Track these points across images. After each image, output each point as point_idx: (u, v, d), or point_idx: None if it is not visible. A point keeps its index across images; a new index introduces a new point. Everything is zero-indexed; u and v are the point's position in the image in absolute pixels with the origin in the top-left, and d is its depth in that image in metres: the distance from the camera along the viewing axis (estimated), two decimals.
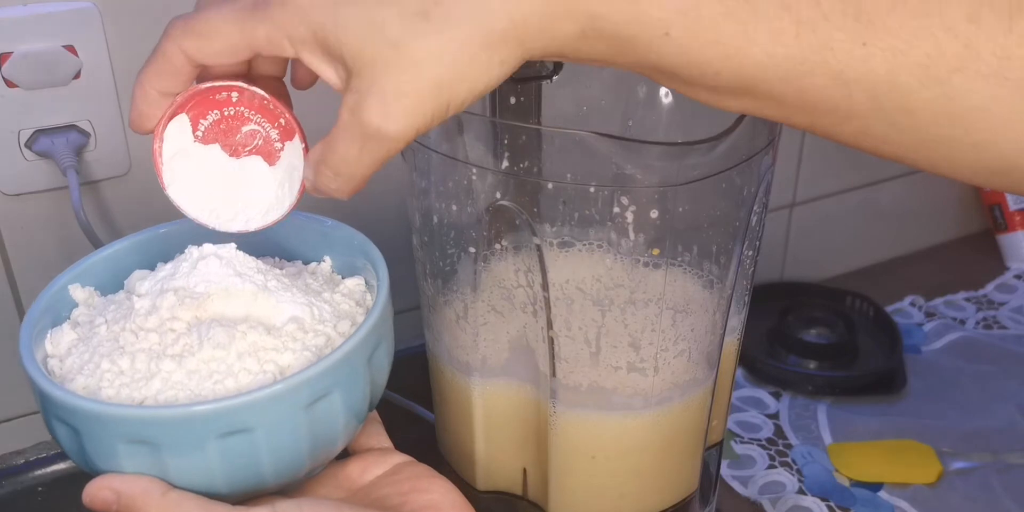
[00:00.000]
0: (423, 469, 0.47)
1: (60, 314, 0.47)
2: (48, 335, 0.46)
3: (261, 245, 0.50)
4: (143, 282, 0.46)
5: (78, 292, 0.48)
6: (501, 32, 0.36)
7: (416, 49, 0.36)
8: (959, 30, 0.36)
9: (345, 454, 0.48)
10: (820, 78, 0.37)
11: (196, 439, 0.40)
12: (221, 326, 0.43)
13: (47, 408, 0.42)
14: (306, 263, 0.51)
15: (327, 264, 0.50)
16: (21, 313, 0.64)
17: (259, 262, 0.47)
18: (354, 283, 0.49)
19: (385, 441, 0.50)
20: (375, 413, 0.50)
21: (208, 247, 0.46)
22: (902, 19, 0.36)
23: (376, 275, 0.48)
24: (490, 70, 0.37)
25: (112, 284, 0.49)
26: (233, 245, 0.46)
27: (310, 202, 0.70)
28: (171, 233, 0.50)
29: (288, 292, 0.45)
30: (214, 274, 0.45)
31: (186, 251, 0.46)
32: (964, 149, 0.39)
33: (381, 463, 0.47)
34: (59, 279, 0.48)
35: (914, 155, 0.40)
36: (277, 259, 0.51)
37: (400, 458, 0.48)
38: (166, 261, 0.47)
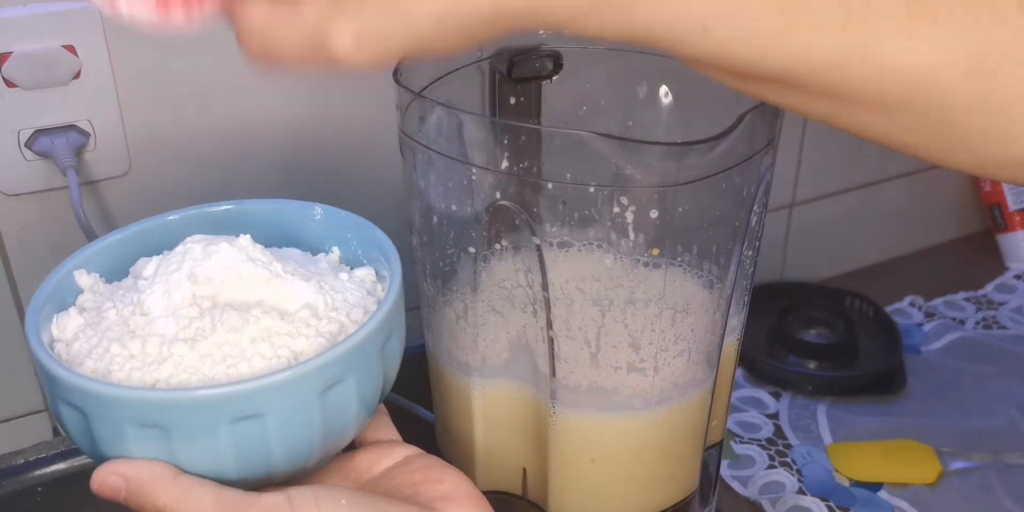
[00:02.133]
0: (434, 460, 0.46)
1: (65, 300, 0.47)
2: (54, 319, 0.45)
3: (269, 235, 0.50)
4: (151, 265, 0.46)
5: (83, 278, 0.47)
6: (508, 15, 0.33)
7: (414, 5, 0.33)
8: (1009, 19, 0.35)
9: (352, 447, 0.48)
10: (858, 70, 0.35)
11: (208, 424, 0.40)
12: (235, 310, 0.42)
13: (54, 391, 0.42)
14: (314, 254, 0.50)
15: (335, 255, 0.50)
16: (21, 313, 0.64)
17: (270, 250, 0.46)
18: (364, 273, 0.48)
19: (393, 433, 0.49)
20: (382, 406, 0.49)
21: (220, 236, 0.46)
22: (953, 9, 0.35)
23: (388, 265, 0.47)
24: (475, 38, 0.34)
25: (117, 271, 0.48)
26: (248, 236, 0.46)
27: (304, 194, 0.70)
28: (175, 222, 0.50)
29: (301, 279, 0.45)
30: (227, 260, 0.44)
31: (189, 238, 0.46)
32: (991, 141, 0.37)
33: (391, 454, 0.47)
34: (64, 265, 0.47)
35: (932, 146, 0.38)
36: (283, 248, 0.50)
37: (410, 450, 0.47)
38: (171, 250, 0.46)
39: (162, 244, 0.48)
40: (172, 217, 0.50)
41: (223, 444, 0.40)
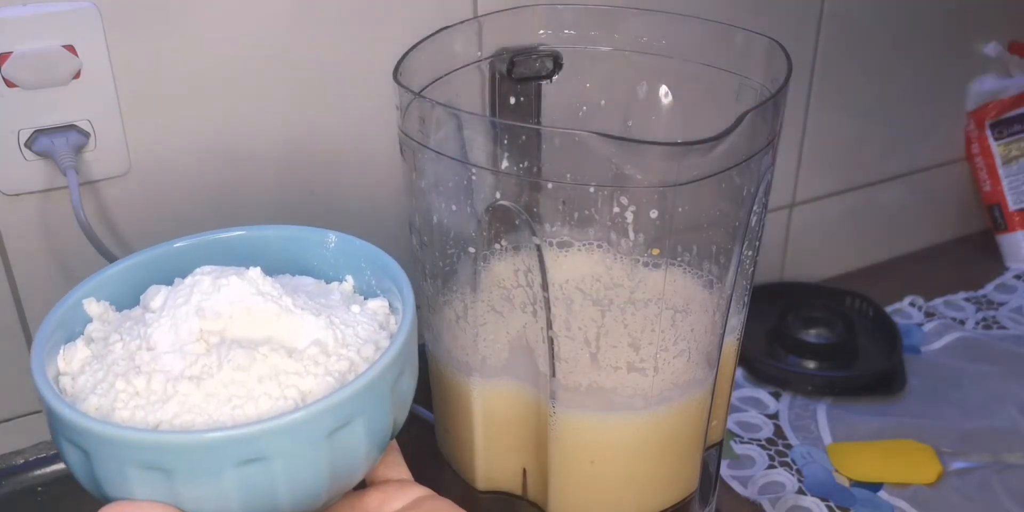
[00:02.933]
0: (444, 503, 0.46)
1: (73, 329, 0.46)
2: (61, 351, 0.44)
3: (281, 262, 0.49)
4: (159, 297, 0.45)
5: (92, 307, 0.47)
6: None
7: None
8: None
9: (362, 485, 0.47)
10: None
11: (213, 467, 0.39)
12: (241, 348, 0.42)
13: (57, 429, 0.41)
14: (328, 282, 0.50)
15: (349, 284, 0.49)
16: (21, 314, 0.64)
17: (281, 282, 0.45)
18: (377, 305, 0.47)
19: (404, 472, 0.48)
20: (394, 442, 0.48)
21: (229, 268, 0.45)
22: None
23: (401, 297, 0.46)
24: None
25: (127, 299, 0.47)
26: (258, 269, 0.45)
27: (304, 193, 0.70)
28: (186, 248, 0.49)
29: (311, 314, 0.44)
30: (236, 294, 0.43)
31: (199, 270, 0.45)
32: None
33: (401, 496, 0.46)
34: (73, 293, 0.46)
35: None
36: (295, 276, 0.49)
37: (421, 491, 0.46)
38: (183, 276, 0.45)
39: (173, 270, 0.47)
40: (182, 243, 0.49)
41: (228, 487, 0.40)
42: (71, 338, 0.46)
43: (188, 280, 0.45)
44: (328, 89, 0.67)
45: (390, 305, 0.48)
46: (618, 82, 0.60)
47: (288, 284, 0.46)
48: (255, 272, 0.45)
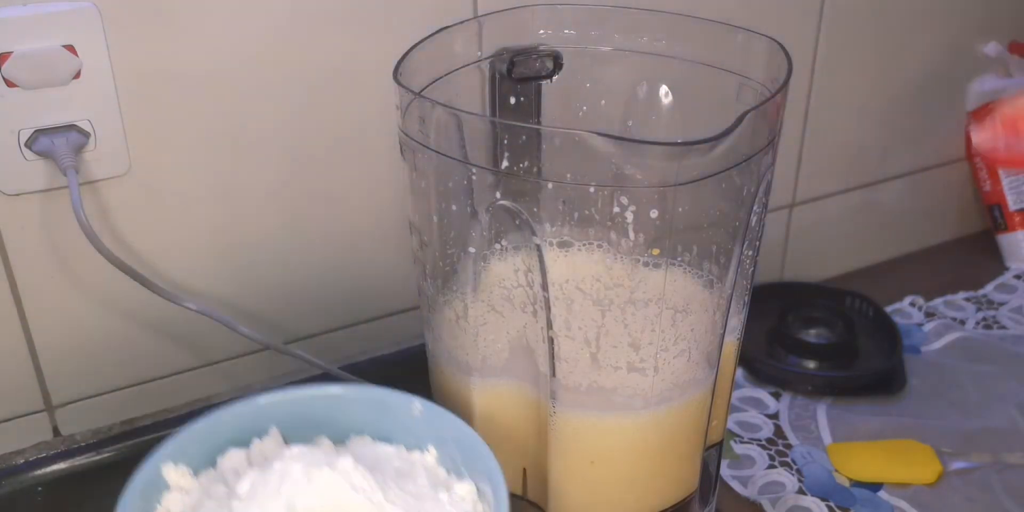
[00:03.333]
0: None
1: (151, 498, 0.45)
2: None
3: (362, 424, 0.48)
4: (246, 482, 0.44)
5: (171, 473, 0.46)
6: None
7: None
8: None
9: None
10: None
11: None
12: None
13: None
14: (408, 448, 0.49)
15: (432, 456, 0.49)
16: (22, 314, 0.64)
17: (363, 453, 0.44)
18: (465, 490, 0.47)
19: None
20: None
21: (319, 453, 0.44)
22: None
23: (489, 481, 0.45)
24: None
25: (205, 459, 0.47)
26: (350, 458, 0.44)
27: (303, 193, 0.70)
28: (267, 406, 0.48)
29: (401, 510, 0.43)
30: (328, 487, 0.43)
31: (287, 453, 0.44)
32: None
33: None
34: (151, 458, 0.46)
35: None
36: (376, 441, 0.49)
37: None
38: (260, 436, 0.45)
39: (251, 428, 0.47)
40: (265, 400, 0.49)
41: None
42: (148, 509, 0.45)
43: (277, 465, 0.44)
44: (328, 89, 0.67)
45: (478, 489, 0.47)
46: (618, 82, 0.60)
47: (371, 457, 0.45)
48: (347, 462, 0.44)
